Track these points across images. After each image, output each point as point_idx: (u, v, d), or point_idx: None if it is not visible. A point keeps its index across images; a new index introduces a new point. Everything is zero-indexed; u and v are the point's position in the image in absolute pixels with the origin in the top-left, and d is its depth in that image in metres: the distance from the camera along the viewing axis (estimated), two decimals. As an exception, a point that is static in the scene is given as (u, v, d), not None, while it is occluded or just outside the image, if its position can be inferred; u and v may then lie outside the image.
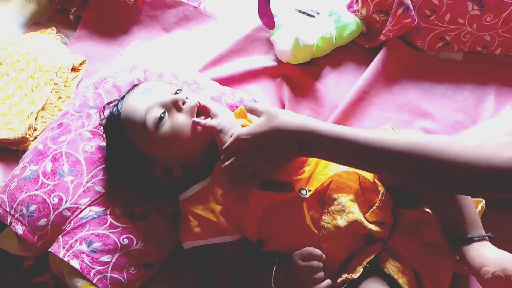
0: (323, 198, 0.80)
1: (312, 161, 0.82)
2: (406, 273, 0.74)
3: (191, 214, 0.82)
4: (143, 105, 0.81)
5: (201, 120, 0.82)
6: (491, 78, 1.15)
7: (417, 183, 0.71)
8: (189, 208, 0.83)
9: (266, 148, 0.72)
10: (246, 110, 0.80)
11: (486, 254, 0.68)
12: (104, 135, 0.91)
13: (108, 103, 0.93)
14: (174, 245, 0.92)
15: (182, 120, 0.81)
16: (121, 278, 0.86)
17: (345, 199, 0.77)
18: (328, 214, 0.78)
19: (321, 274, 0.76)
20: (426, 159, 0.61)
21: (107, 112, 0.90)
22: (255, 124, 0.73)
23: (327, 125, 0.69)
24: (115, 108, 0.86)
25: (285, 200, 0.79)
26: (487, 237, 0.72)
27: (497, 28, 1.14)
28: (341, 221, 0.76)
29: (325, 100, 1.15)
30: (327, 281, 0.76)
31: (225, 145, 0.76)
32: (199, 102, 0.84)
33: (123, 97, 0.88)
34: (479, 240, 0.71)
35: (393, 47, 1.19)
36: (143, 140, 0.81)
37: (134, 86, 0.90)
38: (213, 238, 0.82)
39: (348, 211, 0.76)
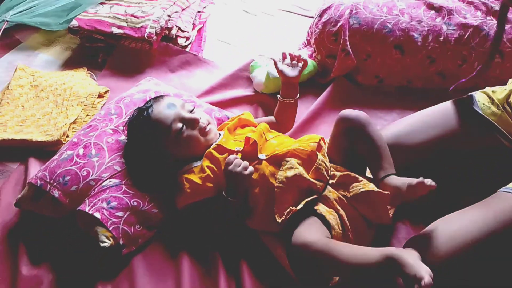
0: (279, 161, 1.12)
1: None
2: (332, 214, 1.04)
3: (185, 180, 1.15)
4: (170, 116, 1.15)
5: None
6: (413, 105, 1.47)
7: None
8: (184, 176, 1.16)
9: None
10: None
11: (401, 180, 1.03)
12: (129, 130, 1.23)
13: (139, 108, 1.25)
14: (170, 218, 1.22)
15: (195, 134, 1.16)
16: (129, 231, 1.15)
17: (294, 161, 1.10)
18: (282, 171, 1.09)
19: (243, 164, 1.08)
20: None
21: (136, 114, 1.22)
22: None
23: None
24: (146, 112, 1.19)
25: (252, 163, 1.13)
26: (395, 173, 1.08)
27: (416, 67, 1.51)
28: (289, 173, 1.07)
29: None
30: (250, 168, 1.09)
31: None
32: None
33: (151, 105, 1.18)
34: (393, 175, 1.07)
35: (339, 82, 1.56)
36: (165, 140, 1.15)
37: (160, 96, 1.24)
38: (198, 198, 1.15)
39: (295, 167, 1.08)
